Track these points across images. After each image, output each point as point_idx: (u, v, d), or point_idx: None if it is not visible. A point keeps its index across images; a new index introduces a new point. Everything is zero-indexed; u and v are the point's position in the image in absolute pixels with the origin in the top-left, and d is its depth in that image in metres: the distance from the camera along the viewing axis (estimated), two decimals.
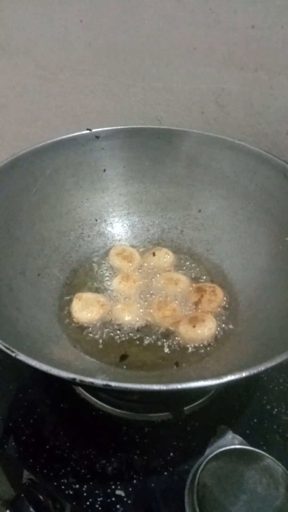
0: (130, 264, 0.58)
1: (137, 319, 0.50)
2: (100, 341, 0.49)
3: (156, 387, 0.30)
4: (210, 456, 0.42)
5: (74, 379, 0.30)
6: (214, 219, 0.61)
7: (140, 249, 0.62)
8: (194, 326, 0.47)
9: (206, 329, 0.48)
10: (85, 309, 0.50)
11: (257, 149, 0.56)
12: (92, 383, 0.30)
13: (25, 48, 0.79)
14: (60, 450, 0.45)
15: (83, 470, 0.43)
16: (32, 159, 0.56)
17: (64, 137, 0.58)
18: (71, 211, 0.61)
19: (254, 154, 0.56)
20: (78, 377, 0.30)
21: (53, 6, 0.70)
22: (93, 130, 0.60)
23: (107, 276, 0.57)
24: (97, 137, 0.60)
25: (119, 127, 0.61)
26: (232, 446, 0.43)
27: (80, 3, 0.68)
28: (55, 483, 0.42)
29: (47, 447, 0.45)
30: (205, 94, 0.66)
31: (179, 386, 0.30)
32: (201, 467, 0.41)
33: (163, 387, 0.30)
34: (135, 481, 0.43)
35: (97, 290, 0.55)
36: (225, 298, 0.53)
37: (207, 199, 0.62)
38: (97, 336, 0.49)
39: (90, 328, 0.50)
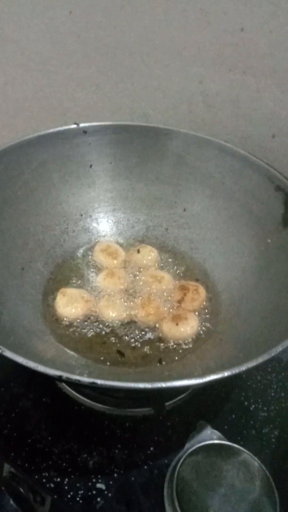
0: (115, 260, 0.58)
1: (121, 316, 0.51)
2: (84, 337, 0.49)
3: (141, 385, 0.30)
4: (190, 450, 0.44)
5: (60, 376, 0.31)
6: (199, 218, 0.62)
7: (125, 246, 0.62)
8: (177, 324, 0.48)
9: (189, 327, 0.49)
10: (70, 304, 0.50)
11: (243, 152, 0.57)
12: (79, 380, 0.30)
13: (11, 37, 0.77)
14: (42, 444, 0.45)
15: (64, 464, 0.44)
16: (18, 152, 0.55)
17: (51, 130, 0.58)
18: (57, 206, 0.60)
19: (240, 157, 0.57)
20: (65, 375, 0.30)
21: None
22: (81, 125, 0.60)
23: (91, 272, 0.58)
24: (84, 132, 0.60)
25: (107, 123, 0.61)
26: (211, 441, 0.45)
27: None
28: (37, 476, 0.43)
29: (29, 441, 0.45)
30: (193, 93, 0.67)
31: (164, 384, 0.30)
32: (181, 461, 0.43)
33: (148, 385, 0.30)
34: (115, 475, 0.43)
35: (81, 286, 0.56)
36: (207, 297, 0.54)
37: (192, 198, 0.62)
38: (81, 332, 0.50)
39: (74, 324, 0.51)
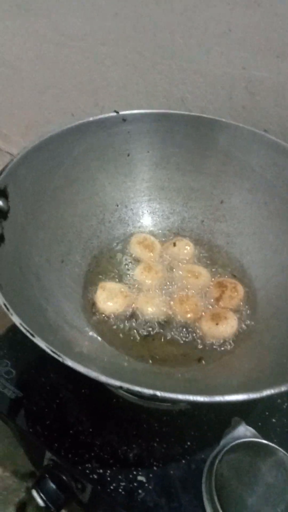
0: (151, 254, 0.58)
1: (160, 312, 0.51)
2: (124, 332, 0.50)
3: (200, 398, 0.31)
4: (227, 447, 0.45)
5: (121, 386, 0.31)
6: (236, 212, 0.61)
7: (160, 237, 0.62)
8: (217, 324, 0.49)
9: (229, 327, 0.49)
10: (110, 299, 0.51)
11: (287, 146, 0.55)
12: (140, 392, 0.31)
13: (44, 11, 0.74)
14: (84, 436, 0.47)
15: (106, 456, 0.45)
16: (59, 142, 0.54)
17: (91, 119, 0.56)
18: (94, 196, 0.60)
19: (283, 151, 0.55)
20: (125, 385, 0.31)
21: None
22: (121, 113, 0.58)
23: (128, 264, 0.58)
24: (124, 120, 0.58)
25: (147, 111, 0.59)
26: (247, 439, 0.46)
27: None
28: (80, 467, 0.44)
29: (71, 432, 0.47)
30: (236, 79, 0.64)
31: (222, 398, 0.31)
32: (218, 458, 0.44)
33: (207, 398, 0.31)
34: (155, 468, 0.45)
35: (119, 279, 0.56)
36: (244, 294, 0.54)
37: (230, 191, 0.61)
38: (121, 327, 0.50)
39: (114, 319, 0.51)
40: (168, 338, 0.50)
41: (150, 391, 0.31)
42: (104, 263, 0.57)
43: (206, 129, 0.60)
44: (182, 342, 0.50)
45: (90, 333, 0.48)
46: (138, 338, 0.50)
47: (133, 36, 0.69)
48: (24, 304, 0.41)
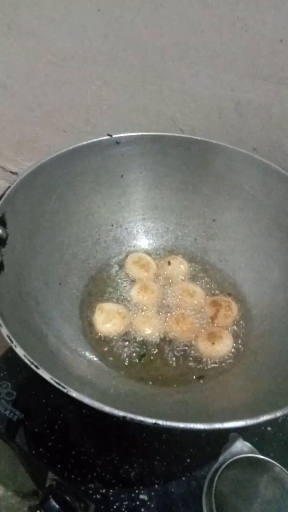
0: (147, 273, 0.59)
1: (157, 332, 0.53)
2: (123, 353, 0.51)
3: (201, 426, 0.32)
4: (225, 464, 0.47)
5: (124, 417, 0.32)
6: (228, 230, 0.63)
7: (154, 256, 0.63)
8: (213, 343, 0.50)
9: (225, 346, 0.51)
10: (108, 321, 0.52)
11: (277, 167, 0.57)
12: (141, 421, 0.32)
13: (35, 31, 0.75)
14: (86, 456, 0.48)
15: (108, 475, 0.47)
16: (54, 166, 0.55)
17: (85, 142, 0.58)
18: (89, 217, 0.61)
19: (273, 172, 0.57)
20: (128, 416, 0.32)
21: None
22: (114, 136, 0.59)
23: (124, 284, 0.59)
24: (117, 142, 0.60)
25: (140, 134, 0.60)
26: (245, 455, 0.48)
27: None
28: (83, 487, 0.46)
29: (73, 452, 0.48)
30: (224, 100, 0.66)
31: (221, 425, 0.32)
32: (218, 475, 0.46)
33: (206, 426, 0.32)
34: (156, 486, 0.46)
35: (115, 299, 0.57)
36: (239, 311, 0.56)
37: (222, 209, 0.63)
38: (119, 348, 0.52)
39: (112, 340, 0.52)
40: (165, 357, 0.51)
41: (152, 421, 0.32)
42: (101, 284, 0.59)
43: (198, 150, 0.61)
44: (180, 361, 0.51)
45: (89, 356, 0.49)
46: (137, 358, 0.51)
47: (123, 57, 0.70)
48: (25, 332, 0.42)
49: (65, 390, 0.34)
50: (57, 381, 0.34)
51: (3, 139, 0.97)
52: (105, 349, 0.51)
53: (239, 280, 0.60)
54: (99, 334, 0.52)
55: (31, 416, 0.51)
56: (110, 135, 0.59)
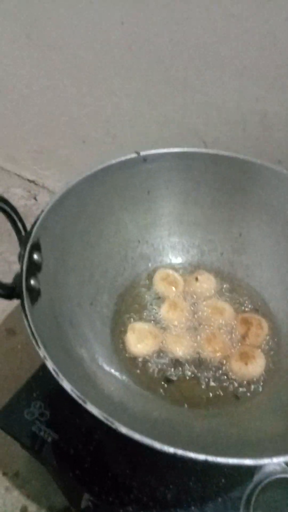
0: (175, 289, 0.59)
1: (189, 351, 0.53)
2: (156, 375, 0.51)
3: (249, 461, 0.33)
4: (261, 485, 0.47)
5: (175, 453, 0.33)
6: (255, 244, 0.62)
7: (181, 271, 0.63)
8: (246, 364, 0.50)
9: (258, 366, 0.51)
10: (140, 342, 0.52)
11: None
12: (192, 458, 0.33)
13: (55, 43, 0.75)
14: (123, 478, 0.48)
15: (145, 498, 0.47)
16: (83, 187, 0.55)
17: (113, 162, 0.57)
18: (117, 234, 0.61)
19: None
20: (180, 452, 0.33)
21: (93, 4, 0.66)
22: (142, 154, 0.59)
23: (153, 302, 0.59)
24: (144, 160, 0.59)
25: (167, 150, 0.60)
26: (280, 476, 0.48)
27: (124, 4, 0.64)
28: (121, 510, 0.46)
29: (110, 474, 0.49)
30: (250, 113, 0.66)
31: (271, 460, 0.33)
32: (254, 496, 0.46)
33: (254, 461, 0.33)
34: (193, 508, 0.47)
35: (145, 317, 0.57)
36: (269, 329, 0.56)
37: (248, 224, 0.63)
38: (152, 369, 0.52)
39: (145, 361, 0.53)
40: (198, 378, 0.51)
41: (202, 457, 0.33)
42: (130, 302, 0.59)
43: (224, 165, 0.61)
44: (212, 382, 0.51)
45: (124, 378, 0.49)
46: (170, 379, 0.51)
47: (146, 69, 0.70)
48: (65, 359, 0.42)
49: (113, 426, 0.34)
50: (106, 416, 0.34)
51: (21, 148, 0.97)
52: (138, 371, 0.52)
53: (268, 296, 0.60)
54: (131, 354, 0.52)
55: (65, 436, 0.51)
56: (138, 153, 0.58)
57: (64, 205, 0.52)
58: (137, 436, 0.33)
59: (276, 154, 0.67)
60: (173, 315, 0.56)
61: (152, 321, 0.57)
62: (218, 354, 0.53)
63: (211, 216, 0.64)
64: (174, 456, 0.35)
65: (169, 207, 0.64)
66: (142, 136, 0.78)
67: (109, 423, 0.34)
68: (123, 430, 0.33)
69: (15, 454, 0.61)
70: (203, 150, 0.61)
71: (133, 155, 0.59)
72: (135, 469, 0.49)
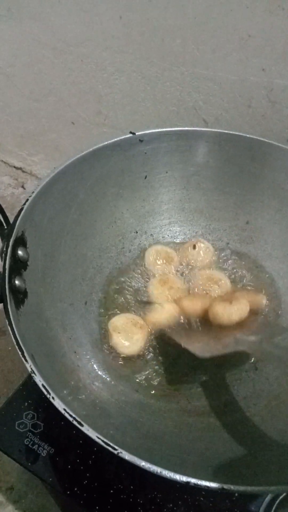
0: (168, 265, 0.55)
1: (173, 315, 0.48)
2: (155, 374, 0.47)
3: (258, 488, 0.28)
4: (279, 499, 0.43)
5: (188, 482, 0.28)
6: (264, 233, 0.57)
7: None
8: (230, 303, 0.47)
9: (244, 306, 0.48)
10: (128, 340, 0.47)
11: None
12: (208, 487, 0.28)
13: (39, 15, 0.68)
14: (125, 495, 0.44)
15: None
16: (73, 172, 0.49)
17: (106, 143, 0.51)
18: (112, 224, 0.55)
19: None
20: (193, 481, 0.28)
21: None
22: (137, 133, 0.53)
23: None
24: (140, 140, 0.53)
25: (165, 130, 0.54)
26: None
27: None
28: None
29: (111, 491, 0.44)
30: (255, 87, 0.59)
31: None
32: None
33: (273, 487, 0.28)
34: None
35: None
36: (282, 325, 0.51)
37: (256, 210, 0.57)
38: (150, 371, 0.47)
39: (141, 358, 0.48)
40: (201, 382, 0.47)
41: (218, 485, 0.28)
42: (127, 297, 0.53)
43: (228, 145, 0.55)
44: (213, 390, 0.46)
45: (121, 384, 0.44)
46: (169, 379, 0.46)
47: (139, 41, 0.63)
48: (57, 371, 0.37)
49: (116, 452, 0.29)
50: (105, 441, 0.29)
51: (6, 133, 0.91)
52: (134, 374, 0.46)
53: (279, 289, 0.55)
54: (124, 356, 0.47)
55: (62, 450, 0.47)
56: (133, 133, 0.52)
57: (52, 193, 0.47)
58: (142, 463, 0.28)
59: (284, 133, 0.62)
60: (163, 291, 0.51)
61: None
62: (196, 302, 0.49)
63: (215, 202, 0.59)
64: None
65: (169, 193, 0.58)
66: (136, 116, 0.72)
67: (110, 449, 0.29)
68: (127, 457, 0.28)
69: (9, 466, 0.56)
70: (205, 129, 0.55)
71: (128, 135, 0.53)
72: (139, 485, 0.45)
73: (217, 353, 0.44)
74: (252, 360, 0.48)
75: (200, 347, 0.45)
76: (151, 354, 0.48)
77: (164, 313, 0.50)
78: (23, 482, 0.55)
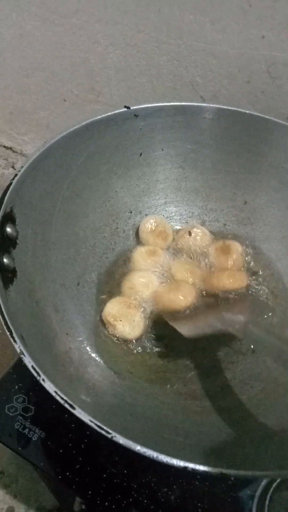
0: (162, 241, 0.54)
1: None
2: (149, 359, 0.45)
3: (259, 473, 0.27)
4: (276, 483, 0.42)
5: (186, 467, 0.27)
6: (262, 213, 0.56)
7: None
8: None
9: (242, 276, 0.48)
10: (130, 324, 0.46)
11: None
12: (206, 472, 0.27)
13: None
14: (119, 479, 0.43)
15: (146, 501, 0.42)
16: (65, 147, 0.47)
17: (99, 117, 0.49)
18: (105, 203, 0.53)
19: None
20: (191, 466, 0.27)
21: None
22: (132, 108, 0.51)
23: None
24: (135, 115, 0.51)
25: (161, 104, 0.52)
26: None
27: None
28: None
29: (104, 475, 0.43)
30: (256, 61, 0.57)
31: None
32: (268, 496, 0.41)
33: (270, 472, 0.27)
34: (200, 510, 0.42)
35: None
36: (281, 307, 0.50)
37: (255, 190, 0.56)
38: (144, 354, 0.46)
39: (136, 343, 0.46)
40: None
41: (216, 470, 0.27)
42: (120, 278, 0.52)
43: (227, 122, 0.53)
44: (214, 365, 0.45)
45: (119, 368, 0.43)
46: (164, 362, 0.45)
47: (134, 11, 0.60)
48: (48, 353, 0.36)
49: (109, 436, 0.27)
50: (99, 424, 0.28)
51: None
52: (132, 356, 0.45)
53: (277, 271, 0.53)
54: (124, 339, 0.46)
55: (53, 434, 0.45)
56: (128, 107, 0.50)
57: (42, 168, 0.44)
58: (137, 448, 0.27)
59: (285, 110, 0.59)
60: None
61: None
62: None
63: (213, 181, 0.57)
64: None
65: (164, 171, 0.56)
66: (131, 92, 0.69)
67: (103, 433, 0.27)
68: (122, 441, 0.27)
69: None
70: (203, 104, 0.53)
71: (122, 110, 0.50)
72: (133, 469, 0.44)
73: (202, 332, 0.42)
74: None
75: (187, 326, 0.43)
76: (146, 335, 0.47)
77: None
78: (14, 467, 0.54)
